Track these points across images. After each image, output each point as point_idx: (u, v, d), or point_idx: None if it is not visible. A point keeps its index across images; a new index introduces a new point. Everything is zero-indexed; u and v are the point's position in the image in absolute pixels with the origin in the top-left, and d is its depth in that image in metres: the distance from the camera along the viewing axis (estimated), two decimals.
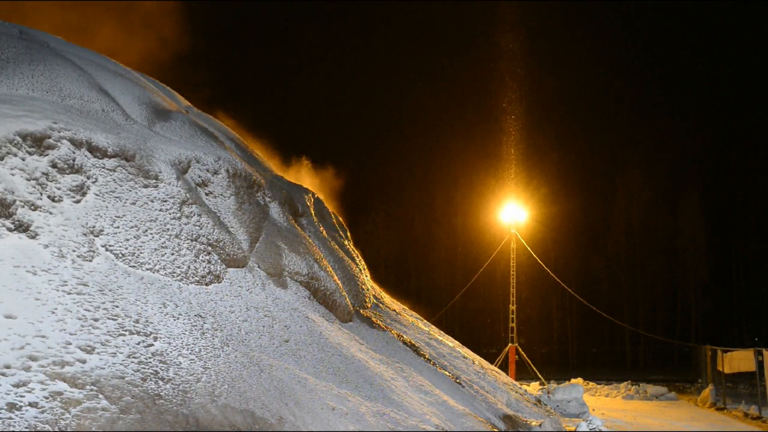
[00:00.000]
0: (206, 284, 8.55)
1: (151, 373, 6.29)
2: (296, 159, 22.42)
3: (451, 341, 16.03)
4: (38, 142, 7.74)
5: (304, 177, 20.68)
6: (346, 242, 14.89)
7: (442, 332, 16.95)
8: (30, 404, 5.22)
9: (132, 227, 8.07)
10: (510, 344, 25.40)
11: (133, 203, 8.36)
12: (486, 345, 26.13)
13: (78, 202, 7.80)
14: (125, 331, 6.63)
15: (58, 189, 7.68)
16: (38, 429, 5.05)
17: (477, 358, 16.12)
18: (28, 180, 7.41)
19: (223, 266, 9.06)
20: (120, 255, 7.71)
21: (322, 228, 13.40)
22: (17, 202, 7.10)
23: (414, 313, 17.44)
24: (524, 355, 25.44)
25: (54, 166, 7.78)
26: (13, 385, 5.29)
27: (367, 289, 13.48)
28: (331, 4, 59.66)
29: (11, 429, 4.92)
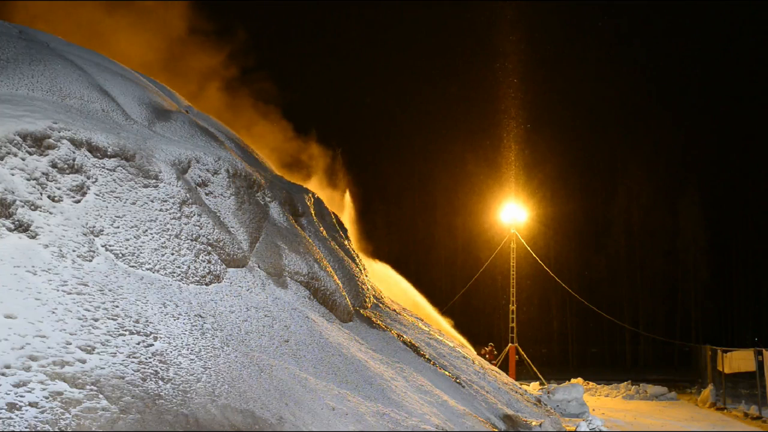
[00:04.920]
0: (206, 284, 8.55)
1: (151, 373, 6.29)
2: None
3: (451, 341, 16.03)
4: (38, 142, 7.74)
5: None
6: (346, 242, 14.89)
7: (442, 332, 16.95)
8: (30, 404, 5.22)
9: (132, 227, 8.07)
10: (510, 344, 25.39)
11: (133, 203, 8.36)
12: (486, 345, 26.18)
13: (78, 202, 7.80)
14: (125, 331, 6.63)
15: (58, 189, 7.68)
16: (38, 429, 5.05)
17: (477, 358, 16.12)
18: (28, 180, 7.41)
19: (223, 266, 9.06)
20: (120, 255, 7.71)
21: (322, 228, 13.40)
22: (17, 202, 7.10)
23: (414, 312, 17.43)
24: (524, 355, 25.42)
25: (54, 166, 7.79)
26: (13, 385, 5.30)
27: (367, 289, 13.48)
28: (331, 5, 59.66)
29: (11, 429, 4.92)
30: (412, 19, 63.98)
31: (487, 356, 22.90)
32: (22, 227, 7.02)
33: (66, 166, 7.90)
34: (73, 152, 8.07)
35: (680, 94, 51.83)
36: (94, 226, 7.69)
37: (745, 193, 43.81)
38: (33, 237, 7.05)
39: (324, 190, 22.43)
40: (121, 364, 6.16)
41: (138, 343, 6.57)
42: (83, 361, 5.91)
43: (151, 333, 6.84)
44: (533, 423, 11.94)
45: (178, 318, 7.43)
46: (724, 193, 44.09)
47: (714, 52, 53.99)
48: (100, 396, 5.65)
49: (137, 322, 6.87)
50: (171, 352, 6.79)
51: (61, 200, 7.64)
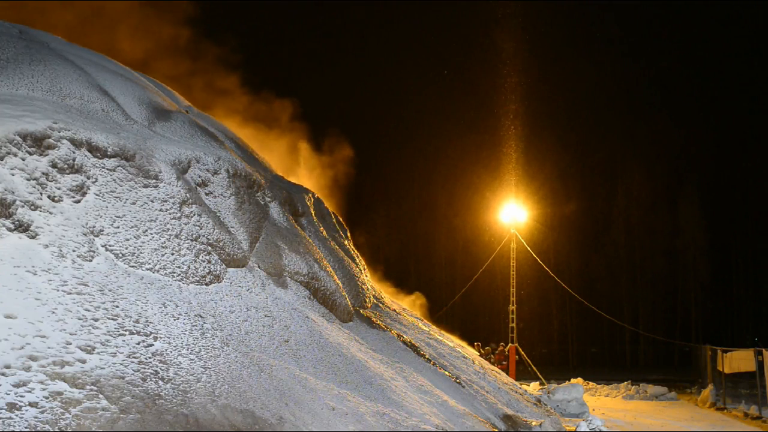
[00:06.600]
0: (206, 284, 8.55)
1: (151, 373, 6.29)
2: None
3: (450, 341, 16.03)
4: (38, 142, 7.74)
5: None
6: (346, 242, 14.90)
7: (442, 332, 16.95)
8: (30, 404, 5.22)
9: (132, 227, 8.07)
10: (510, 344, 25.39)
11: (133, 203, 8.36)
12: (486, 345, 26.21)
13: (78, 202, 7.80)
14: (125, 331, 6.63)
15: (58, 189, 7.68)
16: (38, 429, 5.05)
17: (477, 358, 16.12)
18: (28, 180, 7.41)
19: (223, 266, 9.06)
20: (120, 255, 7.71)
21: (322, 228, 13.40)
22: (17, 202, 7.10)
23: (414, 312, 17.43)
24: (524, 355, 25.42)
25: (54, 166, 7.79)
26: (13, 385, 5.30)
27: (367, 289, 13.48)
28: (331, 4, 59.67)
29: (11, 429, 4.92)
30: (413, 18, 64.00)
31: (493, 357, 22.94)
32: (22, 227, 7.02)
33: (66, 166, 7.90)
34: (73, 152, 8.07)
35: (680, 94, 51.86)
36: (94, 226, 7.69)
37: (745, 193, 43.83)
38: (33, 237, 7.05)
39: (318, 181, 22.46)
40: (121, 364, 6.16)
41: (138, 343, 6.57)
42: (83, 361, 5.91)
43: (151, 333, 6.84)
44: (533, 423, 11.94)
45: (178, 318, 7.43)
46: (724, 193, 44.13)
47: (714, 52, 54.01)
48: (100, 396, 5.66)
49: (137, 322, 6.87)
50: (171, 352, 6.79)
51: (61, 200, 7.64)
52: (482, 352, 22.87)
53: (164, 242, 8.33)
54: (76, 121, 8.73)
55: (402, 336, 12.36)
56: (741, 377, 20.47)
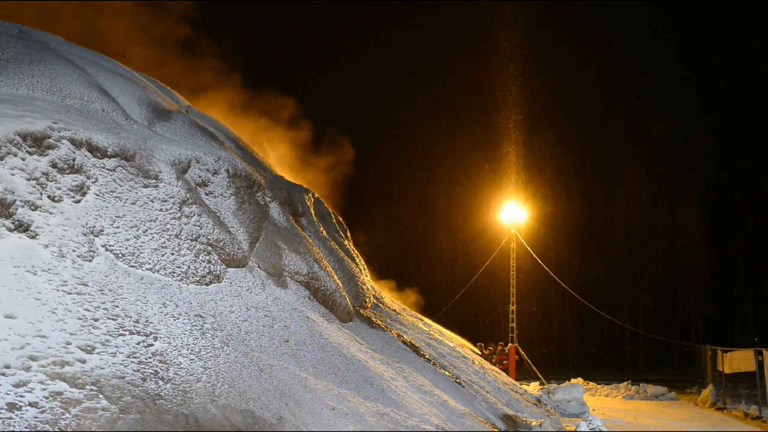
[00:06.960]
0: (206, 284, 8.55)
1: (151, 373, 6.29)
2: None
3: (451, 341, 16.02)
4: (38, 142, 7.74)
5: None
6: (346, 242, 14.89)
7: (442, 331, 16.94)
8: (30, 404, 5.22)
9: (132, 227, 8.07)
10: (510, 344, 25.38)
11: (133, 203, 8.36)
12: (487, 345, 26.22)
13: (78, 202, 7.80)
14: (125, 331, 6.63)
15: (58, 189, 7.68)
16: (38, 429, 5.05)
17: (477, 358, 16.11)
18: (28, 180, 7.41)
19: (223, 266, 9.06)
20: (120, 255, 7.71)
21: (322, 228, 13.40)
22: (17, 202, 7.10)
23: (414, 312, 17.44)
24: (524, 355, 25.41)
25: (54, 166, 7.79)
26: (13, 385, 5.30)
27: (367, 289, 13.48)
28: (330, 4, 59.67)
29: (11, 429, 4.92)
30: (414, 17, 64.00)
31: (494, 357, 22.96)
32: (22, 227, 7.02)
33: (66, 166, 7.90)
34: (73, 152, 8.07)
35: (680, 94, 51.88)
36: (94, 226, 7.69)
37: (745, 193, 43.83)
38: (33, 237, 7.05)
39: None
40: (121, 364, 6.16)
41: (138, 343, 6.57)
42: (83, 361, 5.91)
43: (151, 333, 6.84)
44: (533, 423, 11.94)
45: (178, 318, 7.43)
46: (724, 193, 44.13)
47: (714, 52, 54.02)
48: (100, 396, 5.66)
49: (137, 322, 6.87)
50: (171, 352, 6.79)
51: (61, 200, 7.64)
52: (485, 352, 22.87)
53: (164, 242, 8.33)
54: (76, 121, 8.73)
55: (402, 336, 12.36)
56: (741, 377, 20.46)
